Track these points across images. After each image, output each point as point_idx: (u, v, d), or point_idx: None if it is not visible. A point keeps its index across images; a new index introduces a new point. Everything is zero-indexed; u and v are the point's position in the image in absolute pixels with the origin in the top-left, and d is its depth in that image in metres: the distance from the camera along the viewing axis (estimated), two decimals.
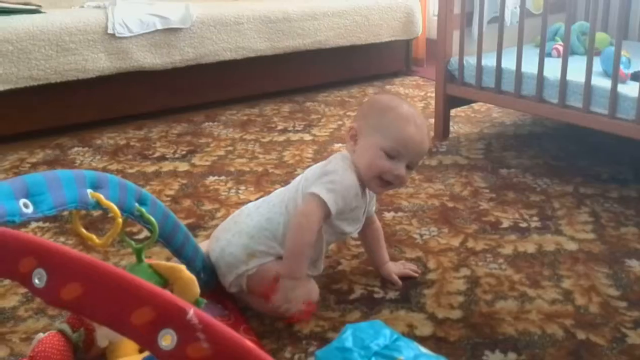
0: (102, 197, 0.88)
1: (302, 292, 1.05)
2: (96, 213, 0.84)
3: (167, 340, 0.51)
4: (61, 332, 0.94)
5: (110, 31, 2.20)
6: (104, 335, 0.94)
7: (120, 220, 0.90)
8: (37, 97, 2.13)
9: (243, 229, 1.13)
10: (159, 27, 2.29)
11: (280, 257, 1.09)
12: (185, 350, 0.50)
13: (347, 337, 0.82)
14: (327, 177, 1.08)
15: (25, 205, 0.75)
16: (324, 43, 2.72)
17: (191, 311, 0.51)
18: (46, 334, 0.92)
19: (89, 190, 0.88)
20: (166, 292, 0.53)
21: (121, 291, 0.53)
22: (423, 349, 0.84)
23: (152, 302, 0.52)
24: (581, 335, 1.04)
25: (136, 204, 0.97)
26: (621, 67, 1.65)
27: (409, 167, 1.11)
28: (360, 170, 1.10)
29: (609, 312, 1.11)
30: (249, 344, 0.51)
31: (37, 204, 0.77)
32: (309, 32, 2.66)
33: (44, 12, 2.22)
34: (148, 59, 2.28)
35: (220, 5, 2.50)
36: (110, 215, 0.88)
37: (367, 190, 1.14)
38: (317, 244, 1.10)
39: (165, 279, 0.95)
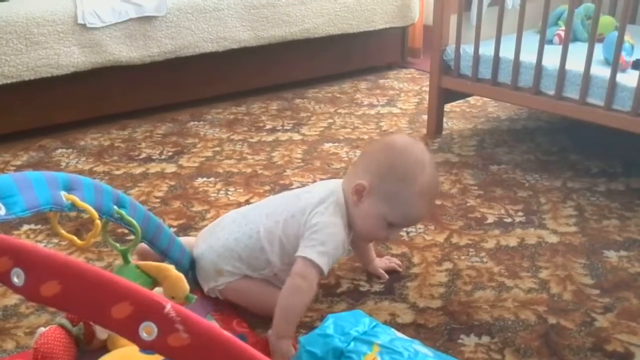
0: (76, 199, 0.98)
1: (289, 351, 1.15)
2: (87, 215, 1.01)
3: (148, 331, 0.60)
4: (61, 326, 1.12)
5: (80, 21, 2.28)
6: (102, 328, 1.14)
7: (98, 221, 1.00)
8: (14, 98, 2.28)
9: (214, 244, 1.28)
10: (133, 15, 2.37)
11: (246, 277, 1.26)
12: (167, 340, 0.60)
13: (329, 325, 0.97)
14: (316, 235, 1.18)
15: None
16: (312, 32, 2.82)
17: (168, 305, 0.60)
18: (47, 327, 1.10)
19: (63, 193, 0.96)
20: (142, 288, 0.62)
21: (98, 288, 0.61)
22: (399, 335, 1.06)
23: (129, 297, 0.60)
24: (552, 320, 1.28)
25: (115, 207, 1.08)
26: (623, 53, 1.72)
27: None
28: (356, 226, 1.24)
29: (581, 299, 1.34)
30: (225, 332, 0.62)
31: (8, 205, 0.83)
32: (296, 19, 2.75)
33: (7, 1, 2.28)
34: (124, 51, 2.39)
35: None
36: (87, 216, 0.99)
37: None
38: None
39: (153, 279, 1.13)
